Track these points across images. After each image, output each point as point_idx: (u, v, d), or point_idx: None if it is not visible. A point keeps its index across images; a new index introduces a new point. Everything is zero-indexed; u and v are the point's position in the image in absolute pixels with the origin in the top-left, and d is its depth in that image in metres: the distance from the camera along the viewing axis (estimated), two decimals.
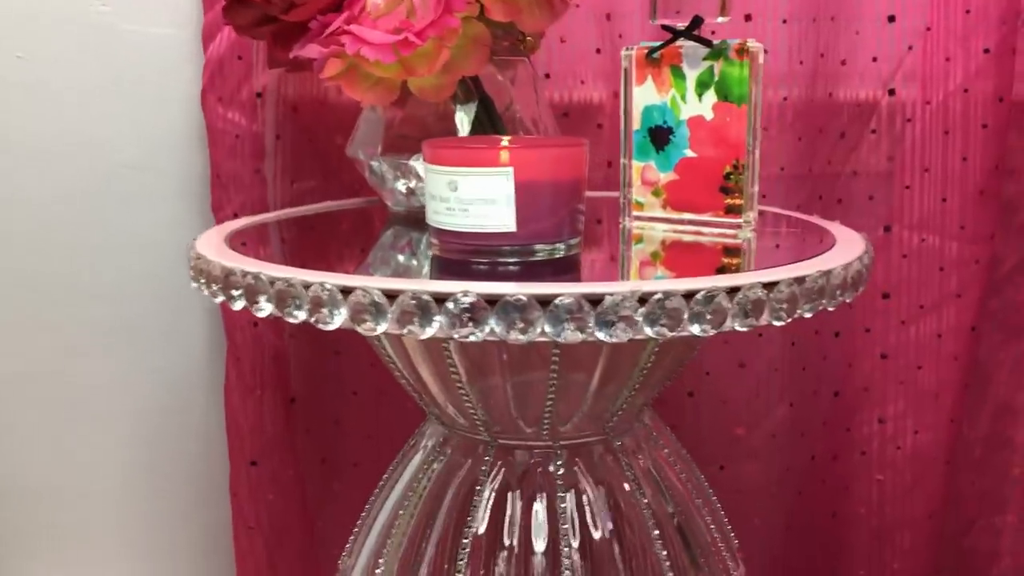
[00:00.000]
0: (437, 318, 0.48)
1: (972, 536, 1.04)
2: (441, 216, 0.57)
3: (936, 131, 0.93)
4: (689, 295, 0.48)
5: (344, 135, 0.79)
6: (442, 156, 0.56)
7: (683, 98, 0.66)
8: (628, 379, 0.62)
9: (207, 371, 0.98)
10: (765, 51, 0.90)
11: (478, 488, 0.64)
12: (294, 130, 0.90)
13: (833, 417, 1.01)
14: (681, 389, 0.99)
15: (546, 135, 0.75)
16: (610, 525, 0.64)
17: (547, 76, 0.92)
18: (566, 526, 0.63)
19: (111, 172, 0.92)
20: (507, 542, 0.63)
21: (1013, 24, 0.90)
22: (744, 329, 0.50)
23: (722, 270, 0.60)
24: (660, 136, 0.67)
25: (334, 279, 0.50)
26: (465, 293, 0.47)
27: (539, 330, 0.48)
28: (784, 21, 0.91)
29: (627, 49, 0.68)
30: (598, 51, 0.91)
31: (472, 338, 0.48)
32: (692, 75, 0.65)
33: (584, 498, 0.64)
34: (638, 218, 0.69)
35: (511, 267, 0.56)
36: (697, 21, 0.64)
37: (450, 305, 0.48)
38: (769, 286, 0.50)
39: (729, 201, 0.65)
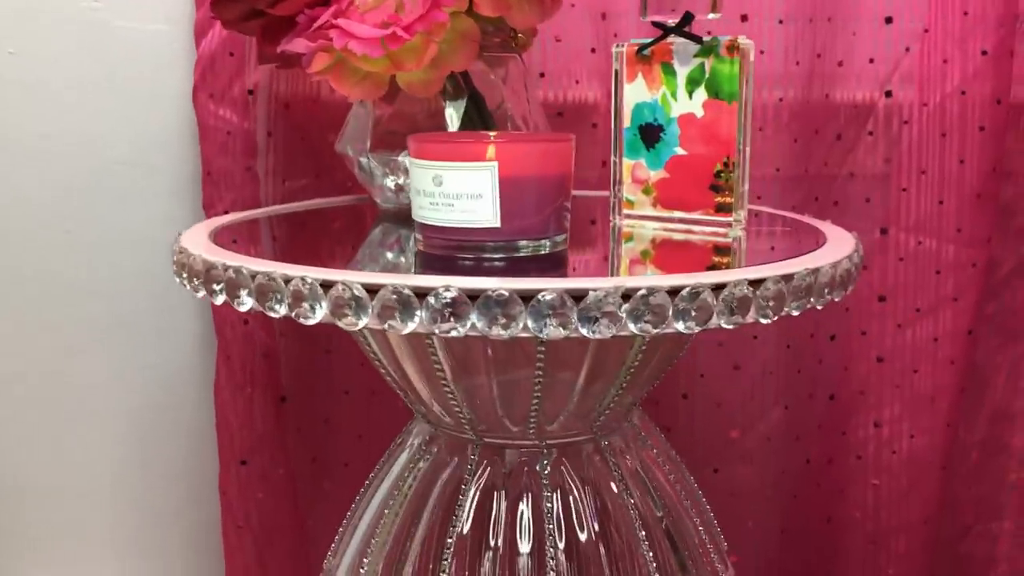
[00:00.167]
0: (418, 313, 0.47)
1: (968, 542, 1.04)
2: (426, 211, 0.56)
3: (933, 133, 0.92)
4: (674, 291, 0.48)
5: (336, 133, 0.78)
6: (427, 150, 0.56)
7: (674, 95, 0.65)
8: (615, 378, 0.61)
9: (199, 368, 0.97)
10: (761, 52, 0.91)
11: (463, 487, 0.63)
12: (286, 128, 0.90)
13: (828, 420, 1.00)
14: (675, 391, 0.98)
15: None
16: (596, 526, 0.64)
17: (542, 75, 0.91)
18: (552, 527, 0.62)
19: (104, 168, 0.92)
20: (492, 542, 0.63)
21: (1011, 26, 0.90)
22: (730, 327, 0.49)
23: (710, 268, 0.60)
24: (650, 134, 0.67)
25: (315, 273, 0.49)
26: (447, 288, 0.47)
27: (521, 325, 0.47)
28: (780, 21, 0.90)
29: (618, 46, 0.67)
30: (593, 50, 0.91)
31: (454, 333, 0.47)
32: (683, 72, 0.65)
33: (570, 498, 0.64)
34: (628, 216, 0.69)
35: (496, 263, 0.55)
36: (688, 17, 0.63)
37: (431, 300, 0.47)
38: (756, 283, 0.50)
39: (719, 199, 0.65)
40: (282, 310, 0.50)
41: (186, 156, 0.92)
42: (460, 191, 0.54)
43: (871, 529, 1.00)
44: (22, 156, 0.91)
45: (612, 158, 0.69)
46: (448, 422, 0.65)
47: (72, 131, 0.91)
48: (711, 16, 0.64)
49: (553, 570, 0.62)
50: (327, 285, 0.49)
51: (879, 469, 0.99)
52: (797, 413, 1.00)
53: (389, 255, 0.64)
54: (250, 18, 0.65)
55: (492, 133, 0.65)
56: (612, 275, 0.61)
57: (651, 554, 0.64)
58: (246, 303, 0.52)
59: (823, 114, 0.93)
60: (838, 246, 0.59)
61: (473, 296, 0.47)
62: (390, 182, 0.72)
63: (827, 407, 1.00)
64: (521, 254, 0.56)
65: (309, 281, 0.49)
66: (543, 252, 0.56)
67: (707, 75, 0.64)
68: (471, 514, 0.63)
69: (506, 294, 0.47)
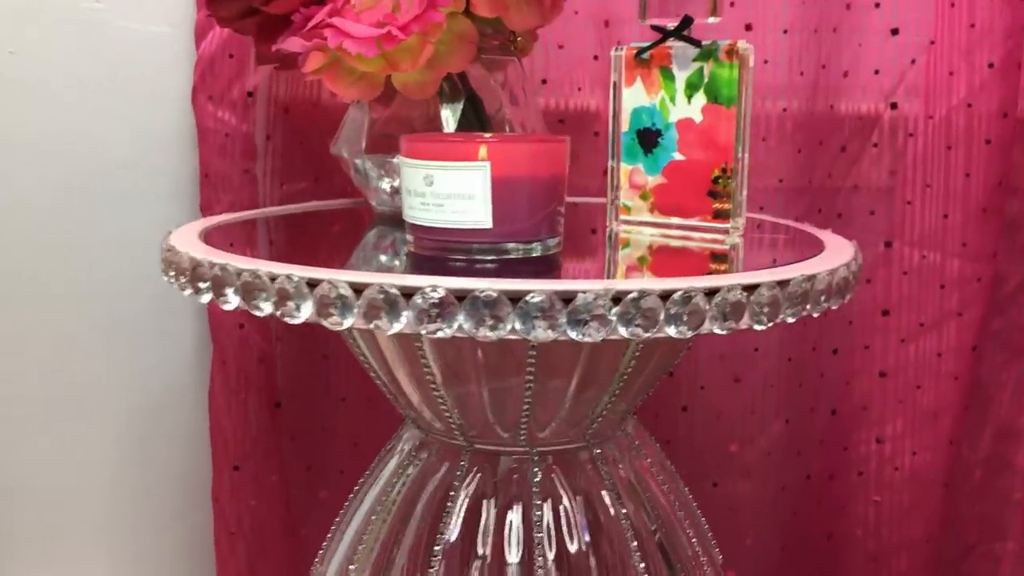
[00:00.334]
0: (405, 313, 0.47)
1: (971, 562, 1.02)
2: (416, 211, 0.55)
3: (939, 146, 0.91)
4: (665, 295, 0.47)
5: None
6: (418, 150, 0.55)
7: (672, 100, 0.64)
8: (608, 385, 0.60)
9: (195, 372, 0.97)
10: (765, 62, 0.90)
11: (452, 494, 0.62)
12: (285, 131, 0.89)
13: (830, 435, 0.99)
14: (675, 403, 0.97)
15: None
16: (587, 537, 0.63)
17: (544, 82, 0.91)
18: (541, 536, 0.61)
19: (103, 170, 0.92)
20: (480, 551, 0.62)
21: (1018, 38, 0.89)
22: (723, 332, 0.48)
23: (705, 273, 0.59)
24: (648, 139, 0.66)
25: (300, 271, 0.48)
26: (434, 288, 0.46)
27: (509, 327, 0.46)
28: (785, 31, 0.90)
29: (616, 50, 0.66)
30: (596, 58, 0.90)
31: (440, 334, 0.46)
32: (682, 76, 0.64)
33: (561, 507, 0.63)
34: (626, 222, 0.68)
35: (486, 264, 0.54)
36: (687, 21, 0.63)
37: (418, 300, 0.46)
38: (750, 288, 0.49)
39: (717, 206, 0.64)
40: (268, 308, 0.49)
41: (186, 158, 0.92)
42: (452, 191, 0.54)
43: (872, 547, 0.99)
44: (21, 156, 0.90)
45: (609, 163, 0.68)
46: (438, 428, 0.64)
47: (72, 132, 0.90)
48: (711, 20, 0.63)
49: None
50: (313, 284, 0.48)
51: (881, 486, 0.98)
52: (798, 427, 0.98)
53: (383, 258, 0.63)
54: (246, 16, 0.65)
55: (485, 134, 0.64)
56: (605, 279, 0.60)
57: (643, 566, 0.63)
58: (232, 301, 0.51)
59: (827, 125, 0.92)
60: (836, 254, 0.58)
61: (461, 296, 0.46)
62: (385, 185, 0.72)
63: (829, 422, 0.98)
64: (512, 256, 0.55)
65: (295, 279, 0.48)
66: (535, 254, 0.55)
67: (706, 79, 0.63)
68: (459, 521, 0.62)
69: (494, 295, 0.46)
